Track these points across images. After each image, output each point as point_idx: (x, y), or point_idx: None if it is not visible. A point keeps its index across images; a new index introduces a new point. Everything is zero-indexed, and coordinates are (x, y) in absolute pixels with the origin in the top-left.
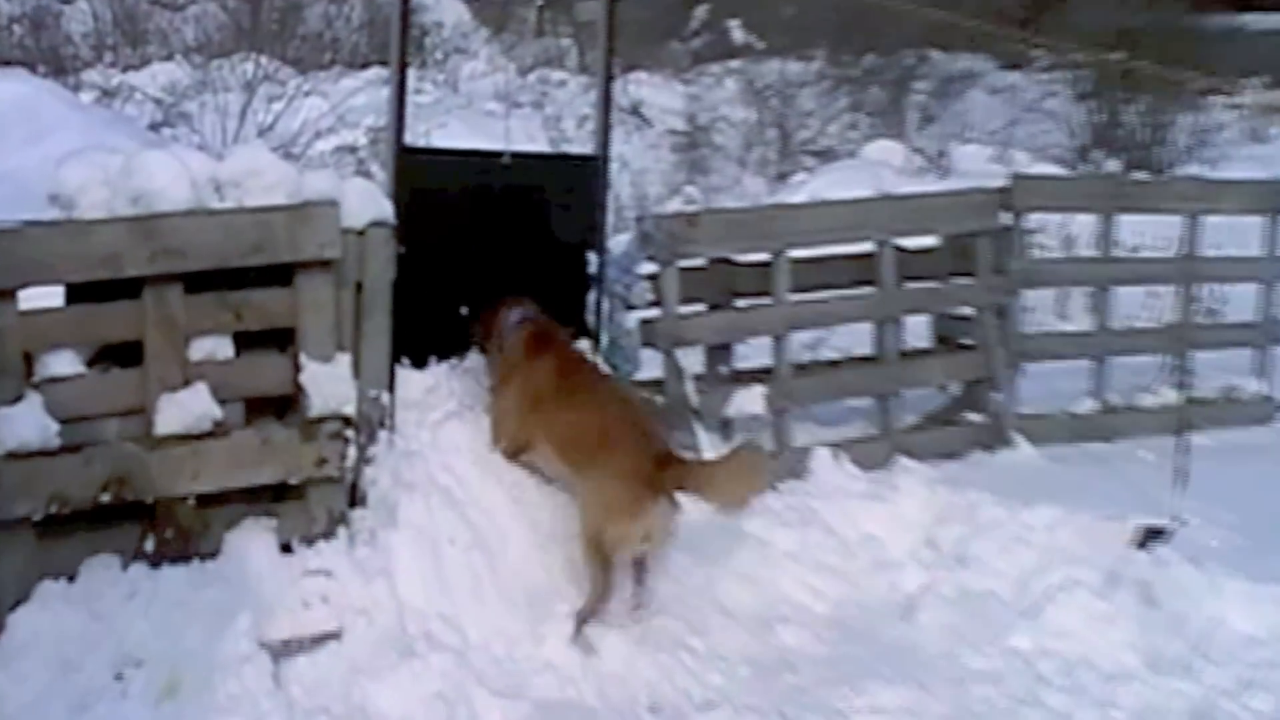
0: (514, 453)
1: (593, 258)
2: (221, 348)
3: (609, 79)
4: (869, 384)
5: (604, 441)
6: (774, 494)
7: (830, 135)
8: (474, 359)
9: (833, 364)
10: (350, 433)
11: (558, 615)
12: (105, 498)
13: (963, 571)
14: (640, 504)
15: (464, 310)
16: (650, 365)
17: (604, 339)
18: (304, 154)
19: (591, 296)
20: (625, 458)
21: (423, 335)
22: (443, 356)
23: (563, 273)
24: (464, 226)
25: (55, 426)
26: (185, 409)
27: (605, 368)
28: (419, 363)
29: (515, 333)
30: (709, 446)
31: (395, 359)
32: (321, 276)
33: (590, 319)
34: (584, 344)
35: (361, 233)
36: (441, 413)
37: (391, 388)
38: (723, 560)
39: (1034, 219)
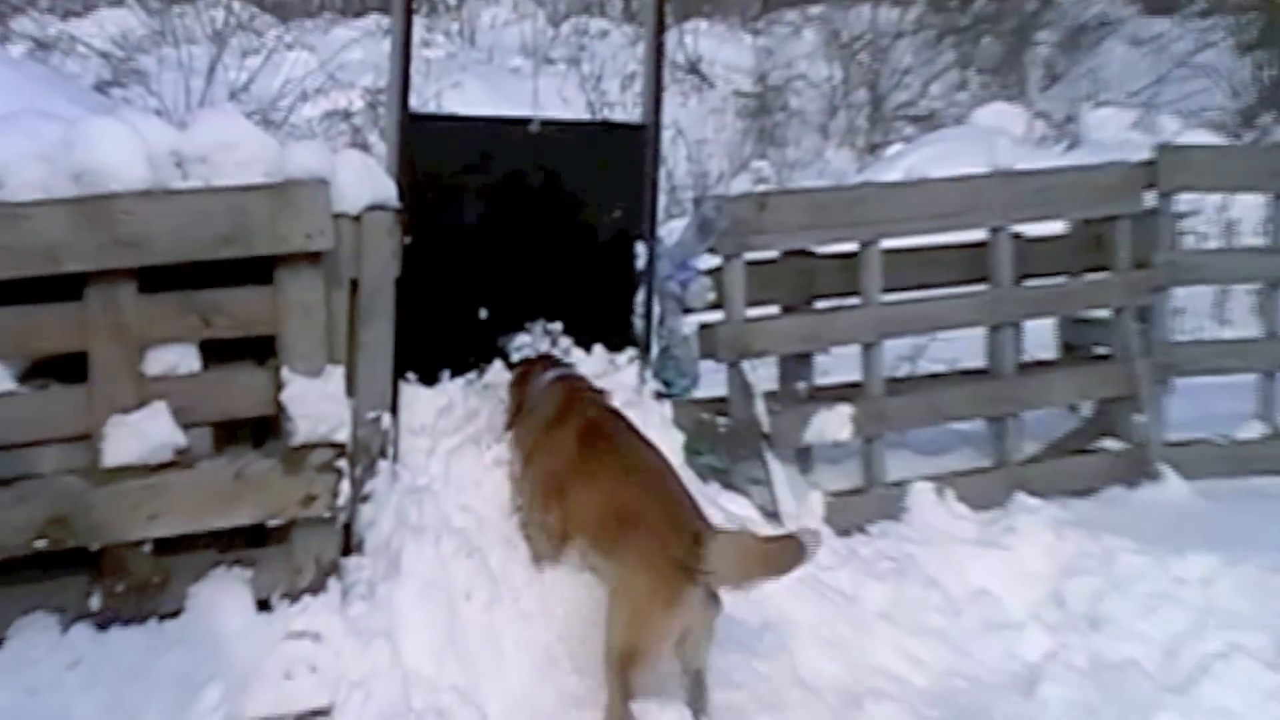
0: (555, 551)
1: (641, 249)
2: (185, 360)
3: (661, 29)
4: (980, 404)
5: (625, 521)
6: (863, 538)
7: (933, 97)
8: (497, 373)
9: (935, 379)
10: (343, 464)
11: (598, 685)
12: (41, 544)
13: (1096, 636)
14: (675, 593)
15: (483, 314)
16: (711, 380)
17: (654, 348)
18: (286, 121)
19: (639, 296)
20: (650, 538)
21: (433, 344)
22: (458, 370)
23: (604, 268)
24: (483, 211)
25: None
26: (140, 435)
27: (637, 424)
28: (428, 378)
29: (543, 393)
30: (783, 481)
31: (399, 374)
32: (308, 272)
33: (637, 324)
34: (622, 386)
35: (357, 218)
36: (457, 439)
37: (395, 409)
38: (799, 620)
39: (1186, 200)
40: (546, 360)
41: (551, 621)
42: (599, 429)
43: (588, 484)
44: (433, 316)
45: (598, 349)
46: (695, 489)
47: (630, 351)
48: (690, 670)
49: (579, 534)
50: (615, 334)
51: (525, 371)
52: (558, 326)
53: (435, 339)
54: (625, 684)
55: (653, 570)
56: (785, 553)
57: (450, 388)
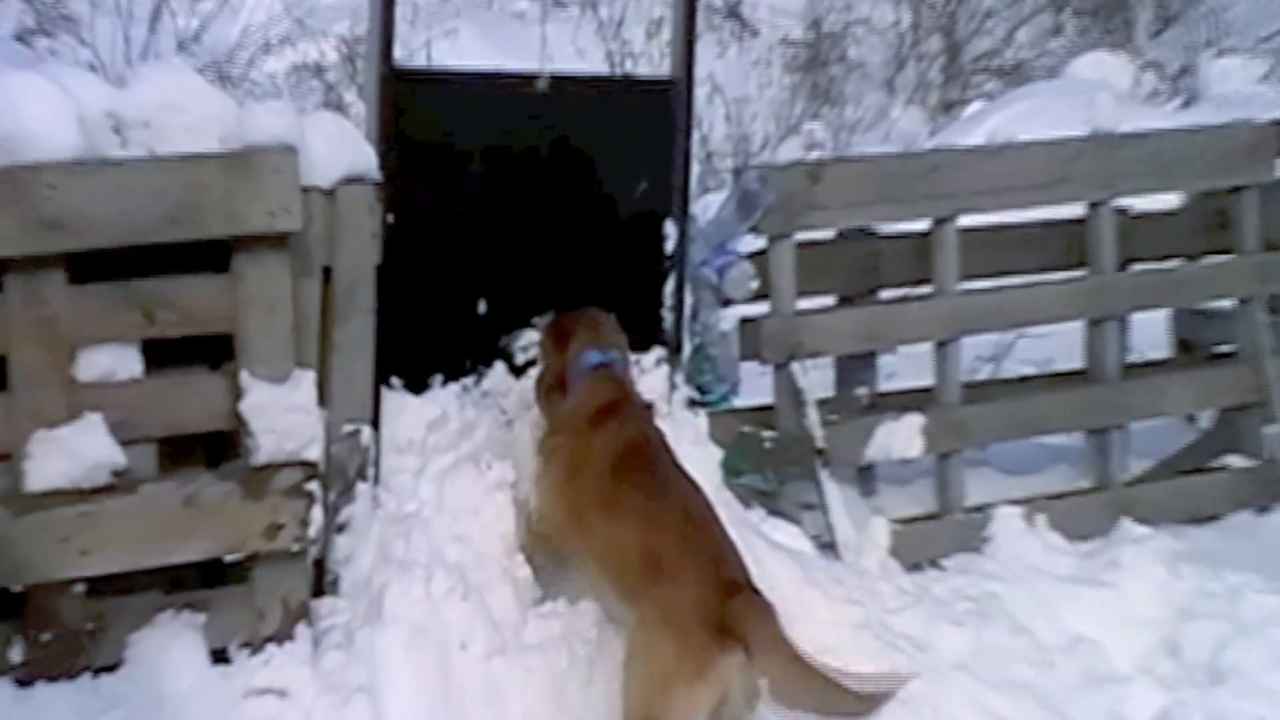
0: (543, 552)
1: (670, 229)
2: (125, 363)
3: None
4: (1078, 413)
5: (653, 566)
6: (937, 574)
7: (1020, 46)
8: (499, 379)
9: (1023, 383)
10: (315, 487)
11: None
12: None
13: (1219, 691)
14: (705, 658)
15: (482, 308)
16: (754, 385)
17: (686, 348)
18: (246, 77)
19: (668, 286)
20: (679, 589)
21: (422, 344)
22: (451, 375)
23: (626, 252)
24: (481, 185)
25: None
26: (71, 454)
27: (677, 455)
28: (417, 385)
29: (583, 384)
30: (841, 506)
31: (382, 379)
32: (272, 258)
33: (666, 318)
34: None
35: (331, 193)
36: (450, 458)
37: (376, 422)
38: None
39: None
40: (590, 326)
41: (564, 677)
42: (638, 450)
43: (615, 516)
44: (421, 311)
45: None
46: (736, 516)
47: (657, 351)
48: None
49: (600, 570)
50: (639, 330)
51: (563, 332)
52: None
53: (425, 338)
54: None
55: (679, 628)
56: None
57: (443, 396)
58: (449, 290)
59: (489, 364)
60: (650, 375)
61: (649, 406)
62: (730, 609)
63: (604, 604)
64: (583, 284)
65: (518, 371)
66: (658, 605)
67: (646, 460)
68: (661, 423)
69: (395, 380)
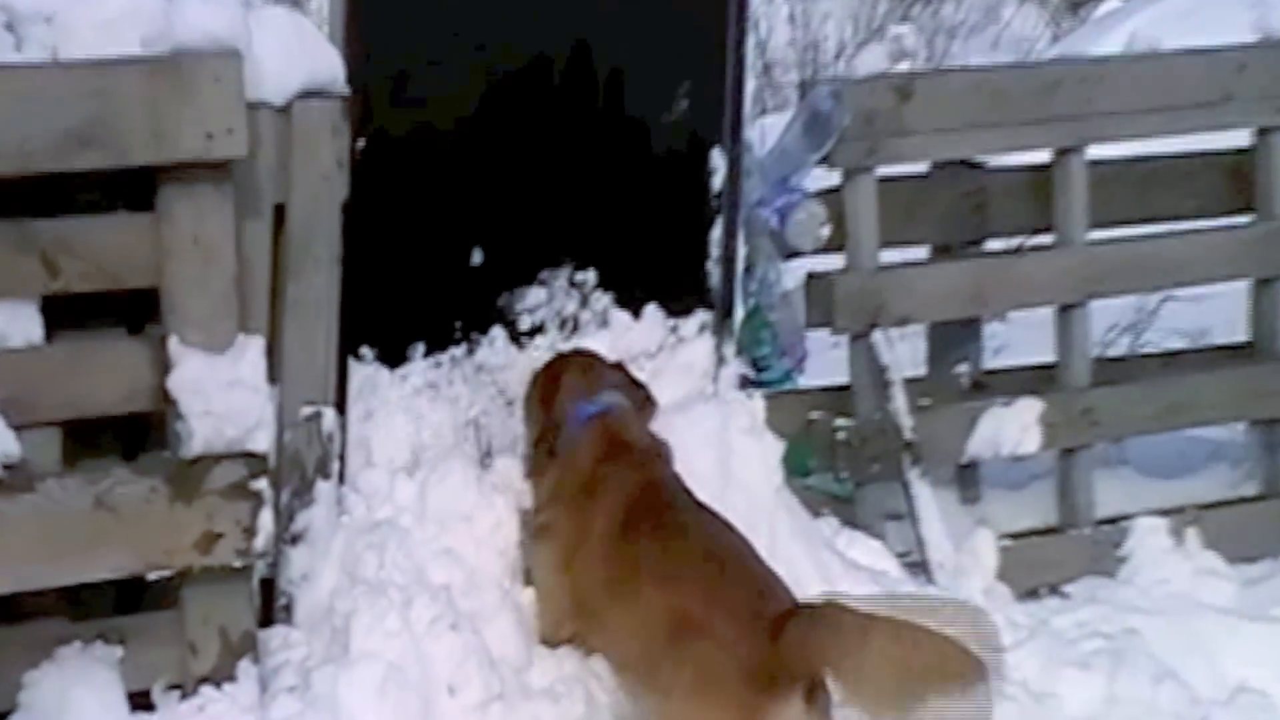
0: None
1: (718, 159)
2: (20, 326)
3: None
4: (1241, 399)
5: (679, 634)
6: (1059, 604)
7: None
8: (497, 349)
9: (1170, 360)
10: (264, 485)
11: None
12: None
13: None
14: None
15: (477, 259)
16: (824, 360)
17: (738, 311)
18: None
19: (715, 232)
20: (713, 649)
21: (400, 305)
22: (436, 344)
23: (662, 188)
24: (478, 101)
25: None
26: None
27: (692, 497)
28: (392, 356)
29: (573, 444)
30: (935, 515)
31: (349, 349)
32: (209, 193)
33: (713, 273)
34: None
35: (285, 111)
36: (435, 450)
37: (342, 404)
38: None
39: None
40: (578, 371)
41: None
42: (644, 504)
43: (625, 589)
44: (399, 262)
45: (651, 311)
46: (801, 527)
47: (701, 316)
48: None
49: (612, 663)
50: (678, 289)
51: (552, 379)
52: (589, 277)
53: (403, 296)
54: None
55: (717, 692)
56: (941, 655)
57: (426, 370)
58: (434, 236)
59: (484, 330)
60: (692, 346)
61: (656, 450)
62: (784, 643)
63: (627, 705)
64: (604, 229)
65: (520, 340)
66: (688, 670)
67: (655, 512)
68: (702, 407)
69: (366, 350)
